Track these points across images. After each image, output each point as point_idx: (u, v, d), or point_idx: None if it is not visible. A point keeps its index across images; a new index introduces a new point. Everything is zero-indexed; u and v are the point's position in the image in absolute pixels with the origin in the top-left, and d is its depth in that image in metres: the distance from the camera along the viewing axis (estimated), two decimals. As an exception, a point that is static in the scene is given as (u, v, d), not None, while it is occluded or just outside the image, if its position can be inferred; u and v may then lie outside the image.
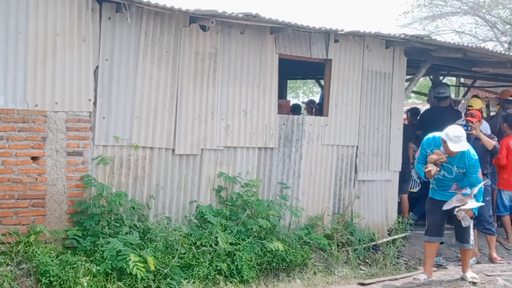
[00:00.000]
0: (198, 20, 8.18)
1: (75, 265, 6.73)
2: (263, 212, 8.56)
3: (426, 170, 7.77)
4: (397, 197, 10.77)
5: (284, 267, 8.40)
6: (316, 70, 13.84)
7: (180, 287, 7.13)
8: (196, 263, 7.53)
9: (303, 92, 40.22)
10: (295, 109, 13.28)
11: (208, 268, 7.57)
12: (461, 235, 8.05)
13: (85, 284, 6.55)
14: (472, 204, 7.66)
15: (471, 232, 8.11)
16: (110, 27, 7.60)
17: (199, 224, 8.12)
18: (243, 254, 7.93)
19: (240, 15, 8.19)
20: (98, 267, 6.82)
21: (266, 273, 8.27)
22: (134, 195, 7.90)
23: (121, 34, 7.68)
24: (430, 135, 8.02)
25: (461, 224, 7.83)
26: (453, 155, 7.63)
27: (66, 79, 7.27)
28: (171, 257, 7.42)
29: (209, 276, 7.54)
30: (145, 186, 8.01)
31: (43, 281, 6.57)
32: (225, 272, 7.70)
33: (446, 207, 7.85)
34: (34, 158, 7.12)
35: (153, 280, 7.10)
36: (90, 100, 7.48)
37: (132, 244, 7.19)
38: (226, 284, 7.57)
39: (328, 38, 9.60)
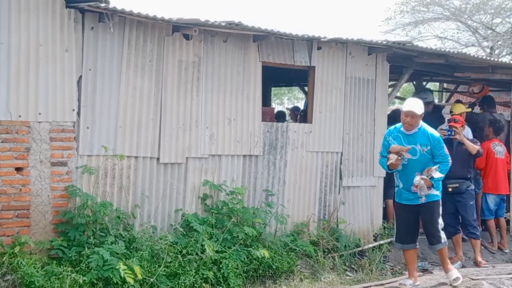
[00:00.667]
0: (181, 29, 8.21)
1: (60, 276, 6.70)
2: (249, 220, 8.58)
3: (389, 162, 7.74)
4: (382, 202, 10.82)
5: (270, 274, 8.41)
6: (300, 77, 13.90)
7: (166, 296, 7.14)
8: (183, 272, 7.53)
9: (288, 98, 40.29)
10: (280, 116, 13.32)
11: (194, 276, 7.55)
12: (430, 236, 8.03)
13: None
14: (436, 174, 7.63)
15: (440, 230, 7.98)
16: (93, 37, 7.61)
17: (184, 233, 8.11)
18: (229, 262, 7.93)
19: (223, 24, 8.23)
20: (84, 278, 6.79)
21: (253, 281, 8.28)
22: (119, 205, 7.90)
23: (104, 43, 7.69)
24: (392, 126, 8.14)
25: (429, 225, 7.94)
26: (408, 127, 7.64)
27: (50, 89, 7.27)
28: (157, 266, 7.41)
29: (195, 285, 7.53)
30: (130, 195, 8.02)
31: (28, 292, 6.56)
32: (211, 280, 7.70)
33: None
34: (18, 169, 7.10)
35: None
36: (74, 110, 7.48)
37: (118, 253, 7.18)
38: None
39: (311, 45, 9.65)
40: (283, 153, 9.49)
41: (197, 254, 7.78)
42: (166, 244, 7.65)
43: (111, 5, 7.21)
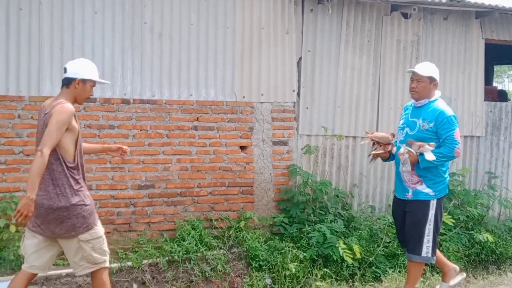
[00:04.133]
0: (400, 8, 7.70)
1: (282, 251, 6.56)
2: (470, 202, 7.83)
3: (374, 152, 5.61)
4: None
5: (493, 260, 7.65)
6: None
7: (385, 276, 6.68)
8: (401, 253, 7.04)
9: (507, 76, 37.20)
10: (501, 96, 12.16)
11: (413, 258, 7.06)
12: (411, 241, 5.56)
13: (293, 269, 6.37)
14: (429, 155, 5.27)
15: (425, 240, 5.55)
16: (312, 18, 7.35)
17: (403, 214, 7.62)
18: (450, 244, 7.30)
19: (444, 1, 7.54)
20: (304, 254, 6.60)
21: (475, 265, 7.57)
22: (338, 184, 7.59)
23: (322, 25, 7.40)
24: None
25: (409, 228, 5.54)
26: (414, 94, 5.46)
27: (271, 71, 7.14)
28: (375, 245, 7.01)
29: (414, 266, 7.04)
30: (348, 175, 7.66)
31: (253, 265, 6.49)
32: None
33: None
34: (242, 148, 7.07)
35: (358, 268, 6.75)
36: (294, 91, 7.28)
37: (337, 232, 6.89)
38: (433, 275, 6.99)
39: (540, 19, 8.62)
40: (507, 134, 8.58)
41: (416, 235, 7.25)
42: (384, 224, 7.23)
43: (329, -13, 6.92)
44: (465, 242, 7.50)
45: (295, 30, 7.24)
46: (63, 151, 4.34)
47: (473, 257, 7.54)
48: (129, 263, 6.12)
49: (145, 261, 6.18)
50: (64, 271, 5.85)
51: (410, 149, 5.31)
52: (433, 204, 5.48)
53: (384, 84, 7.79)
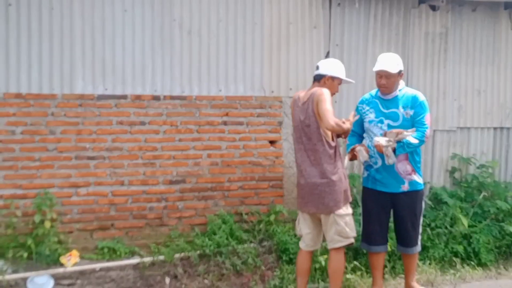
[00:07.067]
0: (428, 0, 7.48)
1: (312, 244, 6.45)
2: (501, 194, 7.60)
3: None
4: None
5: (524, 251, 7.42)
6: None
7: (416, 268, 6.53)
8: (431, 245, 6.87)
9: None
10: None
11: (443, 250, 6.88)
12: (409, 234, 5.61)
13: (323, 262, 6.23)
14: (412, 139, 5.22)
15: (420, 230, 5.68)
16: (339, 13, 7.18)
17: (433, 206, 7.42)
18: (480, 236, 7.09)
19: (472, -8, 7.34)
20: (334, 248, 6.47)
21: (505, 257, 7.32)
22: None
23: (350, 19, 7.23)
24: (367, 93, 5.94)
25: (409, 222, 5.56)
26: (385, 90, 5.47)
27: (299, 65, 6.99)
28: (405, 238, 6.84)
29: (444, 258, 6.85)
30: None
31: (283, 258, 6.38)
32: (461, 255, 6.95)
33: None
34: (272, 142, 6.93)
35: (388, 260, 6.58)
36: (322, 85, 7.14)
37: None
38: (463, 267, 6.82)
39: None
40: (538, 125, 8.32)
41: (446, 227, 7.06)
42: (414, 216, 7.04)
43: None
44: (496, 234, 7.28)
45: (322, 25, 7.09)
46: (325, 132, 4.92)
47: (503, 248, 7.30)
48: (161, 257, 6.05)
49: (177, 255, 6.11)
50: (98, 265, 5.80)
51: (390, 139, 5.23)
52: (423, 192, 5.69)
53: (412, 76, 7.59)
